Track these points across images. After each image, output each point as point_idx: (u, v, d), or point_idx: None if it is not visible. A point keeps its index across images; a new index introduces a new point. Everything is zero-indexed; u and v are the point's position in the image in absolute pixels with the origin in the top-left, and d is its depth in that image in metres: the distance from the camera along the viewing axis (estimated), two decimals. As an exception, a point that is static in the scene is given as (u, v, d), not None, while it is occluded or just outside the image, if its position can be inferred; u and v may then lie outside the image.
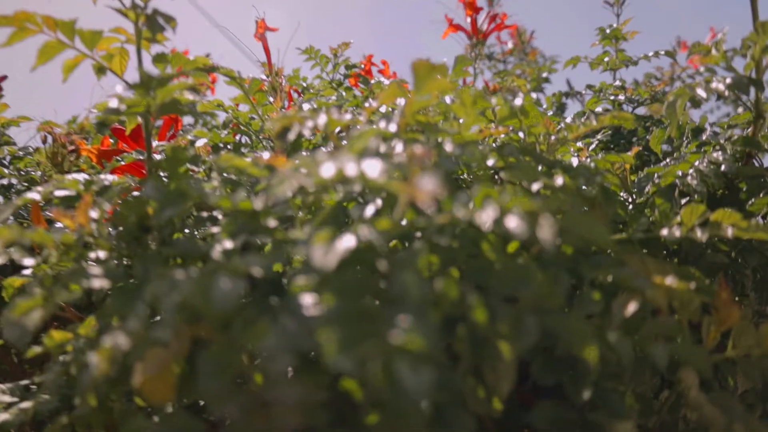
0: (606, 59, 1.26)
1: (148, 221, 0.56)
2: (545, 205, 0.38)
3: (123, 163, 0.83)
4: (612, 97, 1.11)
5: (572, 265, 0.51)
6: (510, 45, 2.32)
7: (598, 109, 1.14)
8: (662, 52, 1.23)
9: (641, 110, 1.53)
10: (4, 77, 1.14)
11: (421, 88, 0.53)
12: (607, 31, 1.22)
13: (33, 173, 0.95)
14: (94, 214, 0.55)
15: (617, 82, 1.19)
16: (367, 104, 0.80)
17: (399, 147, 0.51)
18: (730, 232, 0.53)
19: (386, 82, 1.43)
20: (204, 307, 0.36)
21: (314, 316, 0.37)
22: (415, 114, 0.57)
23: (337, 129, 0.59)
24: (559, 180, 0.57)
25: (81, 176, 0.69)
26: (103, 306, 0.49)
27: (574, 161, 0.71)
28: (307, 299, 0.38)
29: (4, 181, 1.00)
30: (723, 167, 0.67)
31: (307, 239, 0.40)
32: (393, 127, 0.53)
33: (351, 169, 0.36)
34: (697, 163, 0.69)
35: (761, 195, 0.69)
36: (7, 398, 0.66)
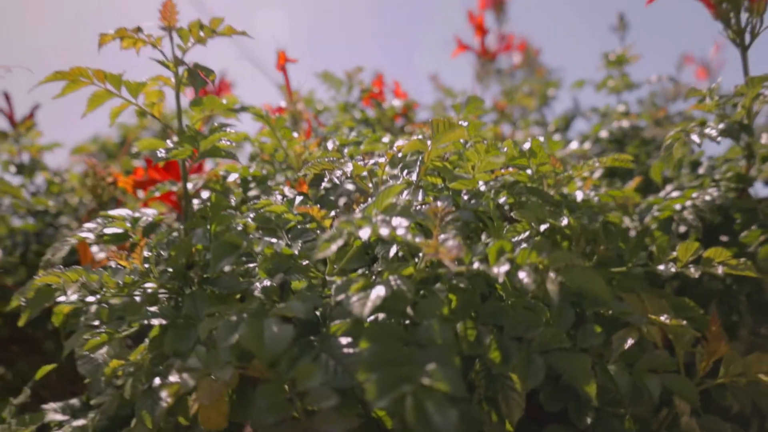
0: (610, 83, 1.32)
1: (193, 259, 0.62)
2: (552, 259, 0.43)
3: (158, 194, 0.89)
4: (615, 125, 1.16)
5: (576, 299, 0.57)
6: (518, 58, 2.37)
7: (603, 133, 1.19)
8: (665, 77, 1.28)
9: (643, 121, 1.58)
10: (37, 107, 1.20)
11: (439, 139, 0.59)
12: (611, 57, 1.28)
13: (69, 200, 1.01)
14: (145, 252, 0.61)
15: (621, 106, 1.24)
16: (386, 142, 0.85)
17: (420, 195, 0.57)
18: (720, 270, 0.59)
19: (398, 104, 1.49)
20: (258, 350, 0.42)
21: (352, 357, 0.43)
22: (434, 159, 0.63)
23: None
24: (565, 220, 0.63)
25: (125, 212, 0.75)
26: (156, 339, 0.55)
27: (579, 194, 0.76)
28: (345, 341, 0.44)
29: (40, 207, 1.06)
30: (718, 201, 0.73)
31: (343, 286, 0.46)
32: (414, 177, 0.59)
33: (384, 232, 0.42)
34: (694, 196, 0.75)
35: (754, 227, 0.75)
36: (59, 416, 0.72)
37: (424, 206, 0.55)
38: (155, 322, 0.51)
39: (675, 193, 0.79)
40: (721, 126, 0.66)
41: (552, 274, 0.42)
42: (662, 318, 0.53)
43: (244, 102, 0.97)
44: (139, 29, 0.71)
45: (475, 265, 0.45)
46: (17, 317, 1.07)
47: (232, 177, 0.81)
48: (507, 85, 2.00)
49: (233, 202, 0.81)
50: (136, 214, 0.75)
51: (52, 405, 0.73)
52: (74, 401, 0.76)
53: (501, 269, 0.43)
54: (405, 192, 0.60)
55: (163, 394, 0.43)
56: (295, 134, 0.87)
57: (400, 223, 0.46)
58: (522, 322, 0.45)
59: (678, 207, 0.75)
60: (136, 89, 0.72)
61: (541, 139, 0.70)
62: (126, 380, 0.59)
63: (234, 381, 0.47)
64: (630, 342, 0.51)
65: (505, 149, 0.65)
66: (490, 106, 1.81)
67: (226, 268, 0.51)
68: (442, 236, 0.45)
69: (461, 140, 0.73)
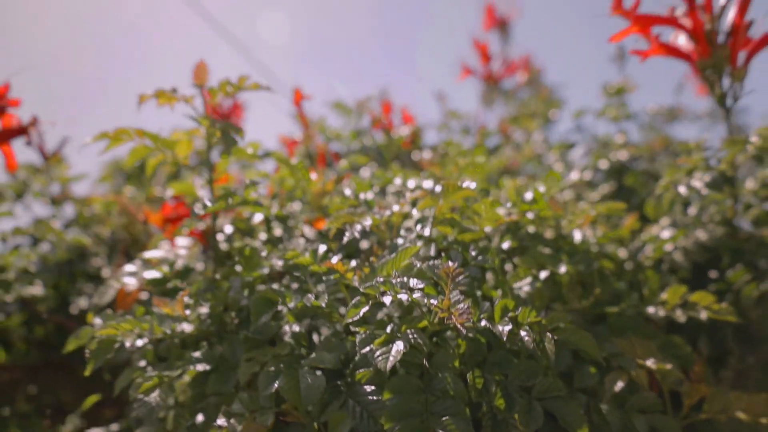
0: (609, 113, 1.38)
1: (228, 303, 0.68)
2: (550, 319, 0.50)
3: (186, 230, 0.96)
4: (612, 158, 1.23)
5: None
6: (522, 76, 2.42)
7: (602, 163, 1.25)
8: (661, 106, 1.35)
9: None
10: (66, 140, 1.27)
11: (449, 196, 0.66)
12: (609, 90, 1.34)
13: (100, 232, 1.08)
14: (185, 299, 0.68)
15: (619, 137, 1.31)
16: (399, 184, 0.92)
17: (432, 249, 0.64)
18: (703, 315, 0.65)
19: (406, 131, 1.56)
20: (296, 400, 0.48)
21: (376, 404, 0.49)
22: (445, 212, 0.69)
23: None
24: (562, 268, 0.70)
25: (159, 253, 0.82)
26: (198, 378, 0.62)
27: (578, 235, 0.82)
28: (369, 389, 0.51)
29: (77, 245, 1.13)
30: (705, 243, 0.79)
31: (367, 340, 0.52)
32: (426, 231, 0.66)
33: (404, 297, 0.49)
34: (683, 238, 0.81)
35: (740, 265, 0.81)
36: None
37: (437, 261, 0.62)
38: (200, 367, 0.58)
39: (666, 233, 0.85)
40: (706, 178, 0.72)
41: (549, 334, 0.49)
42: (649, 362, 0.59)
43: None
44: (174, 90, 0.78)
45: (483, 323, 0.51)
46: (51, 342, 1.14)
47: (257, 218, 0.87)
48: (511, 104, 2.06)
49: (259, 243, 0.88)
50: (170, 255, 0.82)
51: (96, 430, 0.80)
52: (115, 428, 0.83)
53: (505, 328, 0.49)
54: (419, 242, 0.66)
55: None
56: (314, 175, 0.93)
57: (417, 285, 0.52)
58: (524, 371, 0.52)
59: (668, 248, 0.81)
60: (170, 144, 0.79)
61: (541, 188, 0.77)
62: (168, 413, 0.66)
63: (271, 423, 0.53)
64: (620, 384, 0.58)
65: (509, 204, 0.71)
66: (495, 128, 1.87)
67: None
68: (453, 296, 0.51)
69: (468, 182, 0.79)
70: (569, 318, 0.67)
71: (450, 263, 0.54)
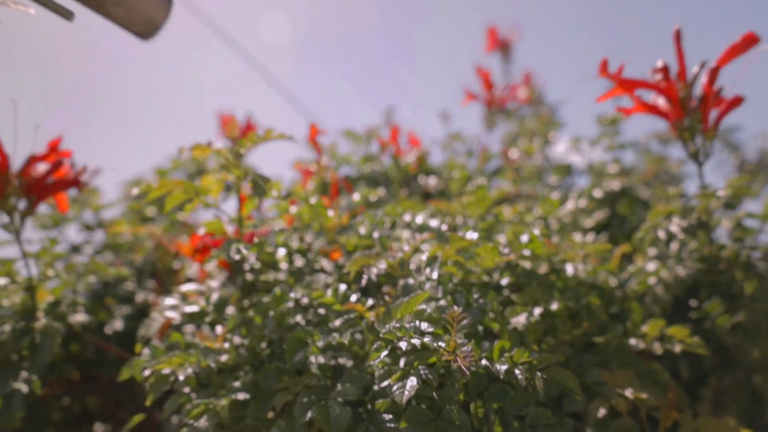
0: (604, 142, 1.47)
1: (264, 338, 0.78)
2: (540, 360, 0.59)
3: (215, 261, 1.05)
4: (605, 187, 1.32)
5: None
6: (523, 93, 2.51)
7: (597, 192, 1.34)
8: (653, 134, 1.44)
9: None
10: (98, 171, 1.37)
11: (453, 244, 0.75)
12: (603, 121, 1.43)
13: (133, 258, 1.18)
14: (219, 329, 0.78)
15: (613, 166, 1.40)
16: (408, 220, 1.01)
17: (440, 291, 0.73)
18: (677, 348, 0.74)
19: (413, 157, 1.65)
20: (326, 428, 0.58)
21: (394, 431, 0.59)
22: (450, 255, 0.78)
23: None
24: (554, 305, 0.79)
25: (194, 287, 0.92)
26: (235, 404, 0.71)
27: (570, 269, 0.91)
28: (388, 417, 0.60)
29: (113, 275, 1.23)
30: (684, 278, 0.88)
31: (385, 375, 0.62)
32: (435, 275, 0.75)
33: (417, 342, 0.58)
34: (663, 273, 0.90)
35: (716, 298, 0.90)
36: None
37: (443, 302, 0.71)
38: (241, 396, 0.67)
39: (651, 265, 0.94)
40: (683, 224, 0.81)
41: (538, 373, 0.58)
42: (627, 392, 0.68)
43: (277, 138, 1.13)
44: (210, 143, 0.87)
45: (483, 362, 0.60)
46: (85, 358, 1.23)
47: (281, 252, 0.97)
48: (513, 124, 2.15)
49: (283, 274, 0.97)
50: (204, 288, 0.92)
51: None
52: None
53: (502, 368, 0.58)
54: (428, 284, 0.75)
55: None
56: (330, 212, 1.03)
57: (427, 329, 0.62)
58: (518, 402, 0.61)
59: (651, 281, 0.90)
60: (205, 191, 0.89)
61: (536, 231, 0.86)
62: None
63: (303, 445, 0.63)
64: (603, 411, 0.67)
65: (507, 250, 0.80)
66: (497, 149, 1.96)
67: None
68: (459, 338, 0.61)
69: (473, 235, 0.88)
70: (560, 350, 0.76)
71: (455, 307, 0.63)
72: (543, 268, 0.91)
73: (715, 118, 0.80)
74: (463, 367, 0.56)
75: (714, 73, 0.77)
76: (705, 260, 0.88)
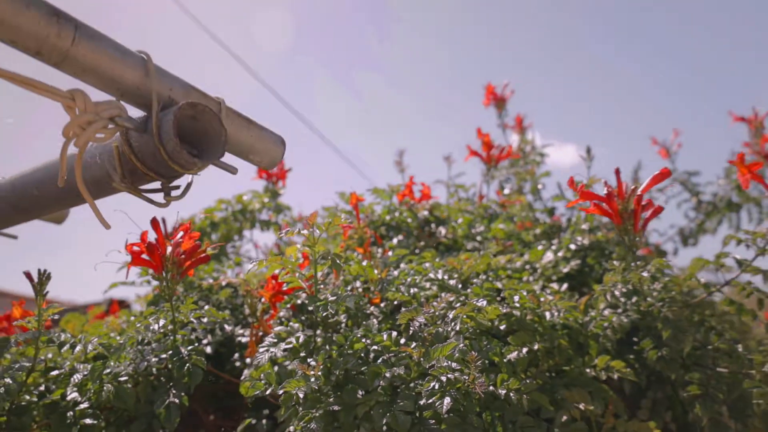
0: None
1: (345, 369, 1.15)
2: (526, 387, 0.98)
3: (288, 305, 1.43)
4: (579, 242, 1.71)
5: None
6: (515, 140, 2.90)
7: (572, 245, 1.73)
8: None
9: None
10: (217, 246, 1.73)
11: (468, 306, 1.13)
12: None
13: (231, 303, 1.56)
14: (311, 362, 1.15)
15: (585, 224, 1.78)
16: (427, 272, 1.39)
17: (461, 341, 1.11)
18: (616, 375, 1.13)
19: (426, 209, 2.03)
20: (396, 427, 0.96)
21: (437, 431, 0.97)
22: (467, 312, 1.16)
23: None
24: (536, 346, 1.17)
25: (282, 329, 1.29)
26: (329, 414, 1.09)
27: (548, 315, 1.29)
28: (432, 421, 0.98)
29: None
30: (627, 323, 1.27)
31: (429, 394, 0.99)
32: (457, 327, 1.13)
33: (451, 376, 0.96)
34: (614, 319, 1.29)
35: (648, 338, 1.28)
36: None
37: (464, 346, 1.09)
38: (335, 407, 1.05)
39: (607, 312, 1.32)
40: (623, 289, 1.20)
41: (525, 396, 0.96)
42: (581, 405, 1.07)
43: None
44: (300, 230, 1.25)
45: (491, 388, 0.99)
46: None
47: (344, 318, 1.34)
48: (508, 173, 2.54)
49: (343, 317, 1.35)
50: (289, 328, 1.30)
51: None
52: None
53: (502, 392, 0.97)
54: (453, 333, 1.13)
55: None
56: (376, 271, 1.41)
57: (456, 367, 1.00)
58: (512, 413, 0.99)
59: (605, 325, 1.29)
60: (294, 264, 1.26)
61: (524, 292, 1.24)
62: None
63: (378, 438, 1.01)
64: (564, 417, 1.05)
65: (505, 309, 1.18)
66: (494, 197, 2.35)
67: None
68: (475, 371, 0.99)
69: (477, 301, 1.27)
70: (539, 376, 1.15)
71: (473, 352, 1.01)
72: (529, 315, 1.29)
73: (643, 222, 1.19)
74: (479, 391, 0.95)
75: (639, 197, 1.16)
76: (640, 312, 1.27)
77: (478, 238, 2.07)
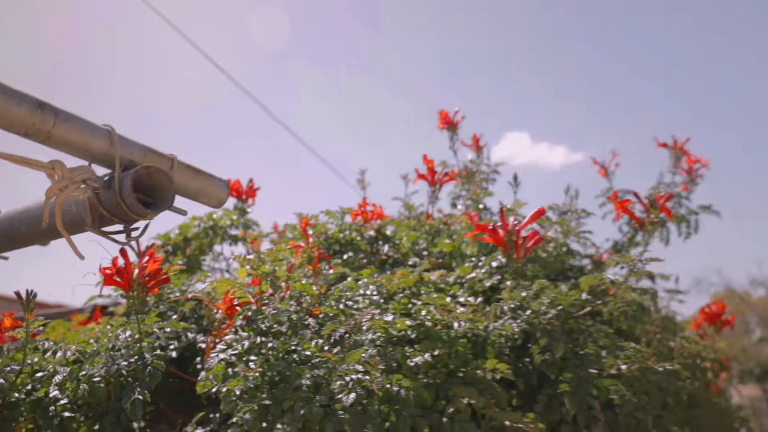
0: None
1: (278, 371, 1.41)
2: (414, 385, 1.24)
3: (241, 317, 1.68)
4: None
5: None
6: (472, 155, 3.15)
7: (494, 262, 1.99)
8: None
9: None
10: (179, 269, 1.98)
11: (379, 322, 1.39)
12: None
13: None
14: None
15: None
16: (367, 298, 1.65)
17: (373, 347, 1.37)
18: (498, 375, 1.39)
19: (373, 229, 2.29)
20: (311, 418, 1.21)
21: (344, 419, 1.23)
22: (380, 323, 1.42)
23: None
24: (437, 351, 1.43)
25: (231, 338, 1.54)
26: (263, 408, 1.34)
27: (456, 325, 1.55)
28: (341, 413, 1.24)
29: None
30: (518, 333, 1.53)
31: (339, 390, 1.25)
32: (370, 336, 1.39)
33: (355, 376, 1.22)
34: (508, 330, 1.55)
35: (536, 345, 1.55)
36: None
37: (373, 351, 1.34)
38: (267, 402, 1.30)
39: (500, 323, 1.58)
40: (512, 305, 1.46)
41: (412, 392, 1.22)
42: (466, 400, 1.33)
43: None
44: (245, 259, 1.50)
45: (387, 386, 1.25)
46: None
47: (284, 315, 1.59)
48: (462, 191, 2.80)
49: (284, 327, 1.60)
50: (237, 337, 1.55)
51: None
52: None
53: (395, 388, 1.22)
54: (367, 341, 1.39)
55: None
56: (315, 287, 1.66)
57: (361, 369, 1.26)
58: (406, 405, 1.25)
59: (502, 334, 1.55)
60: (240, 285, 1.51)
61: (433, 308, 1.50)
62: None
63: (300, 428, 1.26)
64: (451, 409, 1.31)
65: (416, 321, 1.44)
66: (440, 216, 2.62)
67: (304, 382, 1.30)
68: (377, 374, 1.25)
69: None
70: (439, 377, 1.41)
71: (377, 357, 1.27)
72: (439, 326, 1.55)
73: (524, 251, 1.45)
74: (375, 388, 1.21)
75: (519, 230, 1.42)
76: (529, 323, 1.53)
77: (425, 253, 2.34)
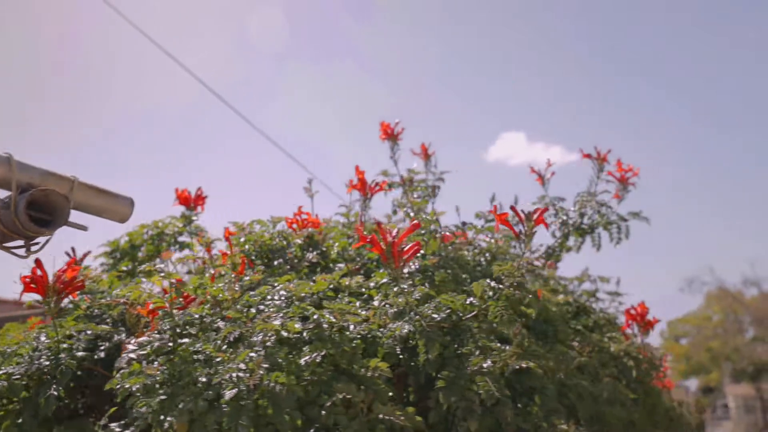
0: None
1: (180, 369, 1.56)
2: (289, 381, 1.39)
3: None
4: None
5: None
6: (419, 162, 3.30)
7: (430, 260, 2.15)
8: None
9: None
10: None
11: (270, 326, 1.55)
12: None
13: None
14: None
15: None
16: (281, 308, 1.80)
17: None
18: (377, 373, 1.55)
19: (303, 236, 2.44)
20: (196, 411, 1.37)
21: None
22: (273, 327, 1.57)
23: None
24: (324, 352, 1.59)
25: (145, 339, 1.69)
26: (163, 402, 1.49)
27: (352, 327, 1.71)
28: (224, 407, 1.40)
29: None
30: (407, 333, 1.69)
31: (229, 387, 1.41)
32: (260, 338, 1.54)
33: (240, 374, 1.38)
34: (399, 329, 1.71)
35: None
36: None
37: (263, 352, 1.50)
38: (163, 397, 1.45)
39: (393, 325, 1.74)
40: (396, 309, 1.62)
41: (285, 387, 1.38)
42: (343, 394, 1.48)
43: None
44: (159, 270, 1.65)
45: (266, 382, 1.40)
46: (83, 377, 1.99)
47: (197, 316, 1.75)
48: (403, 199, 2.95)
49: (194, 329, 1.75)
50: (149, 338, 1.70)
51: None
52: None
53: (272, 384, 1.38)
54: (258, 342, 1.55)
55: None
56: (228, 293, 1.81)
57: (243, 367, 1.41)
58: (280, 399, 1.41)
59: (392, 336, 1.70)
60: (148, 293, 1.66)
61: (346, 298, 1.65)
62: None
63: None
64: (329, 402, 1.47)
65: (310, 324, 1.60)
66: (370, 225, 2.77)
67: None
68: (260, 371, 1.40)
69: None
70: (325, 374, 1.56)
71: (261, 357, 1.42)
72: (335, 328, 1.70)
73: (403, 261, 1.60)
74: (253, 384, 1.36)
75: (396, 242, 1.58)
76: (415, 325, 1.69)
77: (358, 259, 2.49)
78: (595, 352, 3.13)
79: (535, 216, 1.66)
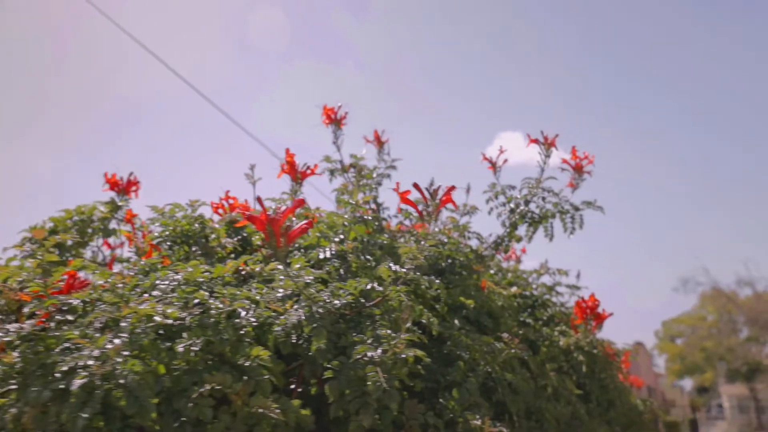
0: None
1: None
2: (144, 370, 1.27)
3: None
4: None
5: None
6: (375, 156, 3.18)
7: (321, 255, 2.03)
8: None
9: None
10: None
11: (127, 311, 1.43)
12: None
13: None
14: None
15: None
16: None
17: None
18: (257, 362, 1.42)
19: (223, 222, 2.32)
20: (37, 398, 1.24)
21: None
22: (147, 311, 1.45)
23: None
24: (200, 339, 1.46)
25: (16, 326, 1.57)
26: (17, 389, 1.37)
27: (243, 313, 1.59)
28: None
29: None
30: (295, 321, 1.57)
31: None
32: (126, 327, 1.42)
33: (91, 361, 1.25)
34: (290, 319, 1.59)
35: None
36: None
37: (127, 338, 1.38)
38: (14, 386, 1.33)
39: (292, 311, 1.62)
40: (287, 292, 1.50)
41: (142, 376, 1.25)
42: (220, 386, 1.36)
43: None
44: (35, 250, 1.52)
45: (121, 371, 1.28)
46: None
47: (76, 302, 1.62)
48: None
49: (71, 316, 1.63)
50: (19, 326, 1.57)
51: None
52: None
53: (123, 373, 1.26)
54: (129, 328, 1.42)
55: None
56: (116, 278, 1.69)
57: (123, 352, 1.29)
58: (140, 388, 1.28)
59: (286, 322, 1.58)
60: (15, 275, 1.54)
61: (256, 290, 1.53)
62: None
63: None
64: (196, 393, 1.34)
65: (189, 311, 1.47)
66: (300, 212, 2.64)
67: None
68: (119, 358, 1.28)
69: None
70: (199, 363, 1.43)
71: (121, 343, 1.30)
72: (224, 315, 1.58)
73: (286, 240, 1.48)
74: (99, 374, 1.23)
75: (280, 221, 1.45)
76: (306, 311, 1.57)
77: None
78: (545, 346, 3.02)
79: (439, 195, 1.54)
